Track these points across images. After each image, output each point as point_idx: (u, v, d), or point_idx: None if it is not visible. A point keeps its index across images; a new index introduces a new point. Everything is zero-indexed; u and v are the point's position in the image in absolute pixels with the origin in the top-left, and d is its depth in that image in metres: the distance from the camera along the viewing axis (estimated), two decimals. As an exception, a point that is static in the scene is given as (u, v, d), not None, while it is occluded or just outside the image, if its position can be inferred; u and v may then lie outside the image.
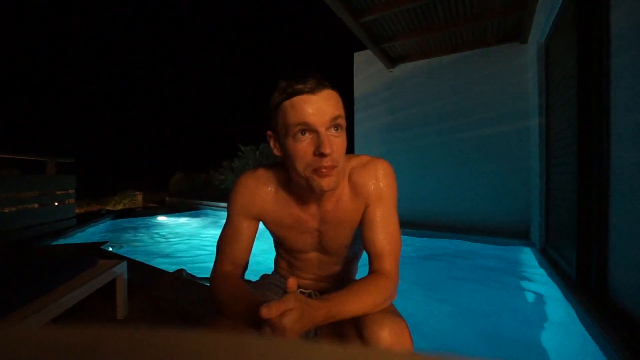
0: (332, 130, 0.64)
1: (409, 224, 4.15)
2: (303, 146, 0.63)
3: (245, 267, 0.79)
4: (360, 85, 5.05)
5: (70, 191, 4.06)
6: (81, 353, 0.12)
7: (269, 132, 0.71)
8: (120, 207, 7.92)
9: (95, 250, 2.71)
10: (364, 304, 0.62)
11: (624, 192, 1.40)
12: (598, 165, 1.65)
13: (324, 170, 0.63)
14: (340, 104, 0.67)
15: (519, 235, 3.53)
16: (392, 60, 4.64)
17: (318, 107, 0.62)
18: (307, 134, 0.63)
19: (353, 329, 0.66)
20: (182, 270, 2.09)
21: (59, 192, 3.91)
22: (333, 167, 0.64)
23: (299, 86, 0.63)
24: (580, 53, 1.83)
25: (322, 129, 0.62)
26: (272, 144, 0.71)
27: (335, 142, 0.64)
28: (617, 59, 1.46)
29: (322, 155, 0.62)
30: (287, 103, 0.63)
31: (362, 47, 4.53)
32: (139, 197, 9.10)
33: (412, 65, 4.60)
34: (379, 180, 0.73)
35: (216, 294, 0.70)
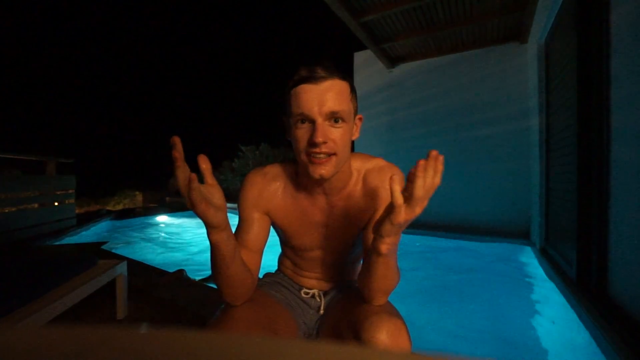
0: (332, 121, 0.65)
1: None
2: (301, 133, 0.65)
3: (261, 254, 0.77)
4: (360, 85, 5.05)
5: (70, 191, 4.06)
6: (81, 353, 0.12)
7: (283, 117, 0.73)
8: (120, 207, 7.92)
9: (95, 250, 2.71)
10: (395, 275, 0.66)
11: (624, 192, 1.40)
12: (598, 165, 1.65)
13: (316, 160, 0.65)
14: (346, 96, 0.67)
15: (519, 235, 3.52)
16: (392, 60, 4.64)
17: (318, 97, 0.63)
18: (305, 123, 0.65)
19: (350, 331, 0.65)
20: (182, 270, 2.09)
21: (59, 192, 3.91)
22: (329, 154, 0.65)
23: (305, 74, 0.64)
24: (580, 53, 1.83)
25: (319, 119, 0.63)
26: (285, 128, 0.73)
27: (333, 132, 0.65)
28: (616, 59, 1.46)
29: (313, 144, 0.63)
30: (293, 91, 0.65)
31: (362, 47, 4.53)
32: (139, 197, 9.09)
33: (412, 65, 4.60)
34: None
35: (213, 278, 0.69)
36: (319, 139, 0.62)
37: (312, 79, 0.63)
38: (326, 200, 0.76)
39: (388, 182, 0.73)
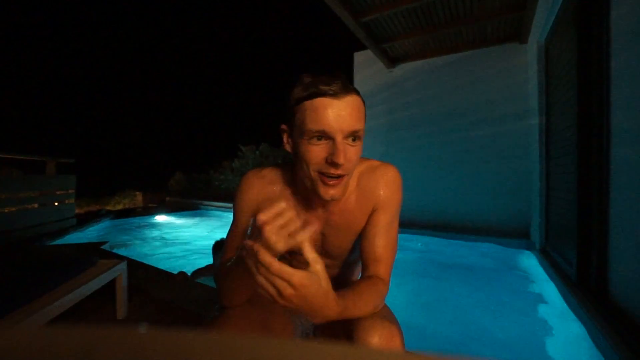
0: (350, 139, 0.62)
1: (409, 224, 4.15)
2: (316, 151, 0.61)
3: None
4: (360, 85, 5.05)
5: (70, 191, 4.05)
6: (81, 353, 0.12)
7: (283, 126, 0.68)
8: (120, 207, 7.93)
9: (95, 250, 2.71)
10: (367, 309, 0.62)
11: (624, 192, 1.40)
12: (598, 165, 1.65)
13: (331, 181, 0.62)
14: (362, 113, 0.64)
15: (519, 235, 3.52)
16: (392, 60, 4.64)
17: (339, 114, 0.59)
18: (322, 140, 0.61)
19: (344, 333, 0.64)
20: (183, 273, 2.09)
21: (59, 192, 3.91)
22: (342, 176, 0.63)
23: (323, 87, 0.59)
24: (580, 53, 1.83)
25: (339, 138, 0.60)
26: (285, 139, 0.69)
27: (350, 151, 0.62)
28: (617, 59, 1.46)
29: (334, 164, 0.60)
30: (308, 103, 0.60)
31: (362, 47, 4.53)
32: (139, 197, 9.10)
33: (412, 65, 4.60)
34: (387, 187, 0.72)
35: (217, 281, 0.69)
36: (341, 159, 0.59)
37: (331, 93, 0.59)
38: (323, 209, 0.74)
39: (383, 182, 0.73)
